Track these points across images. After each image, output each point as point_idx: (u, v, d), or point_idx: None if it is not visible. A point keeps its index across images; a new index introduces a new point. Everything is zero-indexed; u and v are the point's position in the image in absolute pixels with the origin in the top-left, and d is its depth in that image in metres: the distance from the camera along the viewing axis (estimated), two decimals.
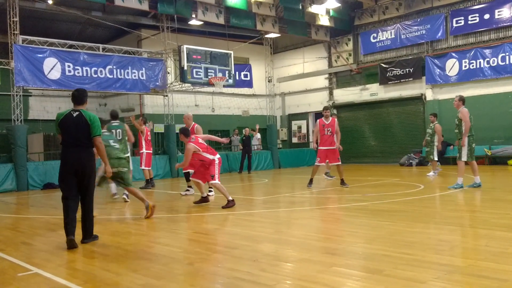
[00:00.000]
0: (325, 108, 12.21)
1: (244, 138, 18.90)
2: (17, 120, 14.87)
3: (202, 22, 19.14)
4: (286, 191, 12.25)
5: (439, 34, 19.81)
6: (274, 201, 10.19)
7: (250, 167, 18.86)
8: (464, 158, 10.04)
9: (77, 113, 5.92)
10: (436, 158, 14.10)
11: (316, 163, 11.85)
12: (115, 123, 10.45)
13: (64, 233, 5.72)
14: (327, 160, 11.98)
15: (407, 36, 20.74)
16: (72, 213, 5.80)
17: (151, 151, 13.67)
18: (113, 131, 9.93)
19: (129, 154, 10.22)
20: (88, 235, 5.99)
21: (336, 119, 11.94)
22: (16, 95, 14.87)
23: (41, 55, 15.13)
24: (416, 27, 20.45)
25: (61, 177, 5.92)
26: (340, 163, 11.76)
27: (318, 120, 11.94)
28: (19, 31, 14.73)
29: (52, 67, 15.33)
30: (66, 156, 5.88)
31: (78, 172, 5.81)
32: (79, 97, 6.04)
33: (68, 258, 5.05)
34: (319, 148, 11.68)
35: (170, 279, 4.26)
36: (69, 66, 15.73)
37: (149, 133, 13.81)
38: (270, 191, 12.41)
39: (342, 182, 11.63)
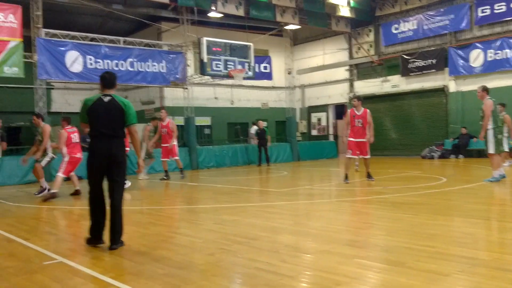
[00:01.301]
0: (355, 98, 11.53)
1: (259, 131, 18.87)
2: (40, 112, 15.11)
3: (221, 14, 19.11)
4: (306, 183, 12.21)
5: (464, 24, 19.40)
6: (293, 193, 10.17)
7: (268, 159, 18.83)
8: (491, 150, 9.78)
9: (108, 97, 5.16)
10: (507, 149, 13.06)
11: (347, 156, 11.24)
12: None
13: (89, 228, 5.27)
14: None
15: (430, 26, 20.36)
16: (99, 214, 5.19)
17: (167, 144, 13.75)
18: None
19: None
20: (117, 240, 5.10)
21: (368, 110, 11.17)
22: (39, 88, 15.11)
23: (63, 48, 15.32)
24: (439, 18, 20.05)
25: (89, 173, 5.21)
26: (368, 156, 11.21)
27: (349, 110, 11.33)
28: (42, 24, 14.94)
29: (74, 60, 15.52)
30: (96, 148, 5.14)
31: (108, 166, 5.11)
32: (110, 79, 5.31)
33: (91, 248, 5.12)
34: (349, 139, 11.05)
35: (191, 269, 4.29)
36: (90, 59, 15.90)
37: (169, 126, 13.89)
38: (290, 183, 12.39)
39: (368, 176, 11.28)
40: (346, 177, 11.08)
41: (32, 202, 10.09)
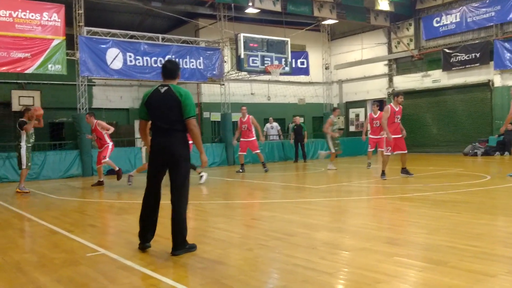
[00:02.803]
0: (401, 94, 11.27)
1: (295, 127, 18.76)
2: (82, 108, 15.57)
3: (258, 10, 19.10)
4: (343, 180, 12.07)
5: (511, 16, 18.63)
6: (331, 190, 10.07)
7: (305, 155, 18.72)
8: None
9: (165, 88, 4.69)
10: None
11: (386, 153, 11.09)
12: None
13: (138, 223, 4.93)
14: (379, 149, 11.46)
15: (474, 19, 19.67)
16: (146, 219, 4.81)
17: (246, 139, 14.23)
18: None
19: None
20: (180, 244, 4.62)
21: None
22: (81, 84, 15.55)
23: (104, 46, 15.70)
24: (484, 9, 19.34)
25: (148, 170, 4.87)
26: (406, 151, 11.14)
27: (389, 106, 11.09)
28: (84, 23, 15.36)
29: (114, 57, 15.89)
30: (153, 145, 4.72)
31: (166, 165, 4.69)
32: (171, 69, 4.82)
33: (132, 241, 5.22)
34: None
35: (229, 264, 4.31)
36: (130, 56, 16.23)
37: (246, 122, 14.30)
38: (327, 180, 12.27)
39: (405, 171, 11.16)
40: (384, 173, 10.98)
41: (75, 196, 10.43)
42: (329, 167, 14.26)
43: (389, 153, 11.01)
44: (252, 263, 4.34)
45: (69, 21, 15.22)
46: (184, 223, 4.68)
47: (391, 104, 11.12)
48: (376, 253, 4.47)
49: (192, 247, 4.74)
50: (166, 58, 16.90)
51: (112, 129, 11.49)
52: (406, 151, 11.16)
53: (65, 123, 20.76)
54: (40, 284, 3.90)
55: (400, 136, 10.98)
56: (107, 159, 11.33)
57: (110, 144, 11.49)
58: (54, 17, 14.60)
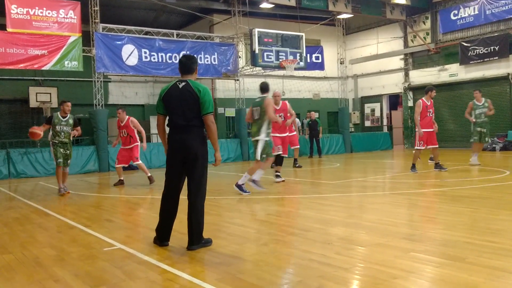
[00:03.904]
0: (432, 89, 11.22)
1: (310, 122, 18.69)
2: (98, 104, 15.72)
3: (273, 5, 19.04)
4: (359, 175, 11.99)
5: None
6: (346, 185, 10.02)
7: (320, 151, 18.65)
8: None
9: (183, 83, 4.68)
10: None
11: (419, 147, 11.09)
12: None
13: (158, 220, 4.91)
14: (427, 145, 11.08)
15: (493, 11, 19.34)
16: (166, 215, 4.79)
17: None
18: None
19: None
20: (196, 240, 4.65)
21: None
22: (97, 81, 15.69)
23: (119, 42, 15.81)
24: (503, 1, 18.99)
25: (166, 168, 4.83)
26: (437, 146, 11.31)
27: (420, 101, 11.14)
28: (100, 19, 15.47)
29: (130, 54, 16.00)
30: (171, 141, 4.70)
31: (184, 161, 4.66)
32: (187, 64, 4.78)
33: (148, 236, 5.26)
34: (423, 130, 10.94)
35: (245, 258, 4.32)
36: (145, 52, 16.32)
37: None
38: (342, 175, 12.21)
39: (438, 166, 11.25)
40: (414, 167, 11.12)
41: (92, 191, 10.54)
42: (472, 161, 12.51)
43: (422, 147, 11.08)
44: (267, 258, 4.33)
45: (85, 18, 15.36)
46: (202, 218, 4.70)
47: (423, 98, 11.18)
48: (393, 249, 4.44)
49: (208, 242, 4.76)
50: (181, 54, 16.99)
51: (143, 132, 10.98)
52: (437, 146, 11.27)
53: (82, 119, 20.97)
54: (58, 278, 3.96)
55: (432, 130, 11.10)
56: (140, 161, 10.89)
57: (139, 143, 11.02)
58: (70, 14, 14.75)
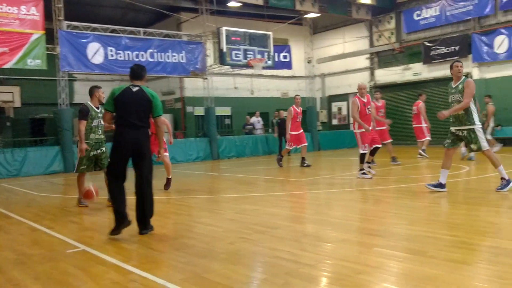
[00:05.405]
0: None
1: (279, 121, 18.76)
2: (63, 104, 15.35)
3: (240, 4, 19.02)
4: (326, 173, 12.15)
5: (488, 10, 18.88)
6: (314, 182, 10.13)
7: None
8: None
9: (137, 88, 5.30)
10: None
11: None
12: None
13: (113, 214, 5.22)
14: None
15: (453, 12, 19.89)
16: (120, 204, 5.21)
17: (297, 132, 13.59)
18: None
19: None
20: (148, 223, 5.34)
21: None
22: (62, 79, 15.33)
23: (84, 40, 15.49)
24: (462, 3, 19.56)
25: (113, 160, 5.32)
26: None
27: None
28: (64, 17, 15.11)
29: (95, 52, 15.68)
30: (121, 137, 5.22)
31: (134, 155, 5.23)
32: (137, 71, 5.41)
33: (113, 237, 5.19)
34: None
35: (212, 258, 4.31)
36: (111, 51, 16.04)
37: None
38: (310, 173, 12.33)
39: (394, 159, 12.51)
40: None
41: (56, 192, 10.30)
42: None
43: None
44: (234, 256, 4.35)
45: (48, 15, 14.95)
46: (152, 204, 5.36)
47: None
48: (357, 244, 4.53)
49: (152, 227, 5.40)
50: (148, 52, 16.80)
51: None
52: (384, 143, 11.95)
53: (46, 119, 20.49)
54: (18, 281, 3.86)
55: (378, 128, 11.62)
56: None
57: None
58: (32, 11, 14.33)
